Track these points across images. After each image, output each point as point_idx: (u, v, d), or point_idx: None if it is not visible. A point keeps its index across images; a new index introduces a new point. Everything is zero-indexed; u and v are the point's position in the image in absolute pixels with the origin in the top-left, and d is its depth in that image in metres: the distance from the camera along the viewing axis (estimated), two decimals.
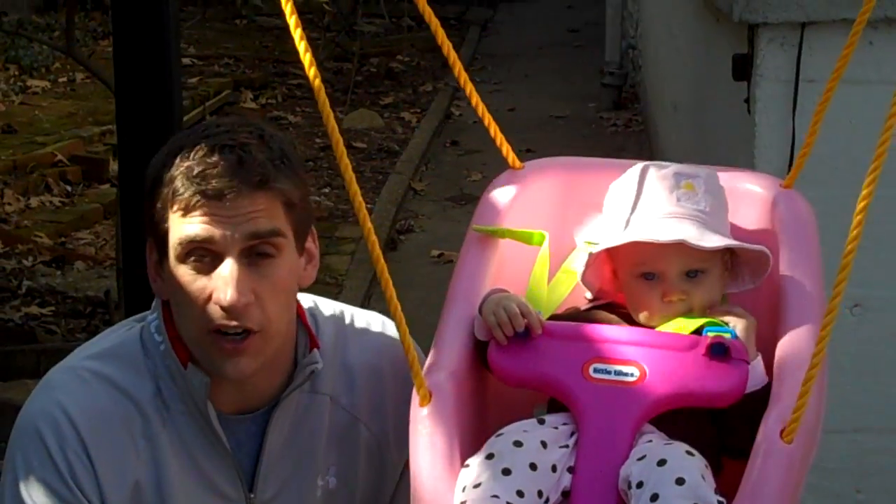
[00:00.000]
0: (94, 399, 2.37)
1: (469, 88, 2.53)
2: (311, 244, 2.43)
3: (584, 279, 2.46)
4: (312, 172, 9.81)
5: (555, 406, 2.35)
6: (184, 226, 2.28)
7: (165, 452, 2.38)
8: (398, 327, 2.24)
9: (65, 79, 11.87)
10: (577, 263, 2.50)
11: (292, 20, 2.02)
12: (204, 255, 2.29)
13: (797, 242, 2.46)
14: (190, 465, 2.39)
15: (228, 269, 2.27)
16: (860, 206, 2.05)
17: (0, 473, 2.41)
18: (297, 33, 2.01)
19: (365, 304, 6.77)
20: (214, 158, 2.28)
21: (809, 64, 4.15)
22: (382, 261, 2.17)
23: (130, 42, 4.22)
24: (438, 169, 10.09)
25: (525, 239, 2.55)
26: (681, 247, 2.35)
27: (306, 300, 2.54)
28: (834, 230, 2.49)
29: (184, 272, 2.30)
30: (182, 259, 2.30)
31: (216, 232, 2.27)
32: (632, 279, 2.40)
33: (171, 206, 2.29)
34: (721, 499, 2.13)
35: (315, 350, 2.44)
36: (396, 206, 8.87)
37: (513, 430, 2.25)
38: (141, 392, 2.39)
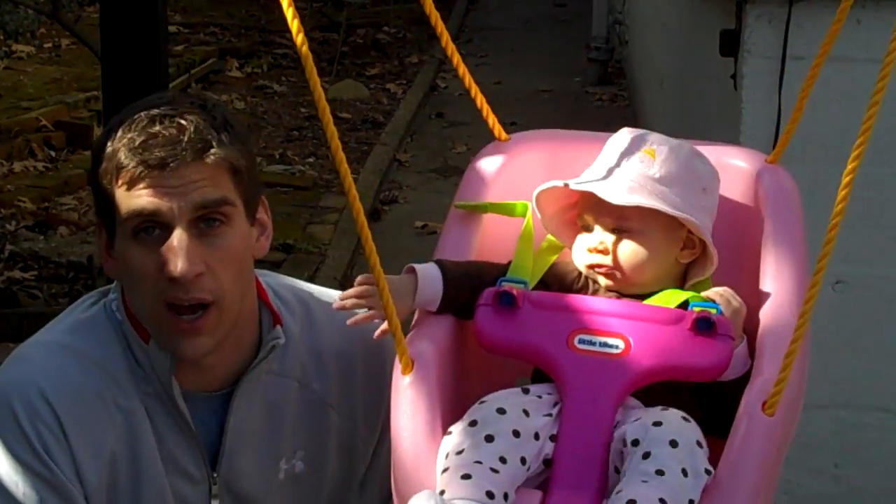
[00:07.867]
0: (68, 374, 2.34)
1: (456, 59, 2.51)
2: (263, 214, 2.40)
3: (546, 226, 2.47)
4: (297, 142, 9.80)
5: (539, 377, 2.34)
6: (130, 200, 2.25)
7: (140, 426, 2.35)
8: (381, 295, 2.19)
9: (50, 44, 11.84)
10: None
11: None
12: (152, 228, 2.25)
13: (781, 218, 2.45)
14: (158, 442, 2.37)
15: (177, 239, 2.24)
16: (845, 180, 2.05)
17: None
18: (285, 1, 2.00)
19: (348, 273, 6.75)
20: (155, 129, 2.25)
21: (797, 41, 4.15)
22: (367, 228, 2.14)
23: (117, 8, 4.21)
24: (423, 140, 10.09)
25: (508, 211, 2.54)
26: (604, 202, 2.34)
27: (270, 279, 2.51)
28: (820, 207, 2.50)
29: (133, 248, 2.27)
30: (131, 235, 2.27)
31: (162, 204, 2.23)
32: (577, 230, 2.42)
33: (116, 181, 2.26)
34: (710, 468, 2.13)
35: (278, 326, 2.42)
36: (381, 176, 8.86)
37: (496, 398, 2.24)
38: (115, 363, 2.36)
